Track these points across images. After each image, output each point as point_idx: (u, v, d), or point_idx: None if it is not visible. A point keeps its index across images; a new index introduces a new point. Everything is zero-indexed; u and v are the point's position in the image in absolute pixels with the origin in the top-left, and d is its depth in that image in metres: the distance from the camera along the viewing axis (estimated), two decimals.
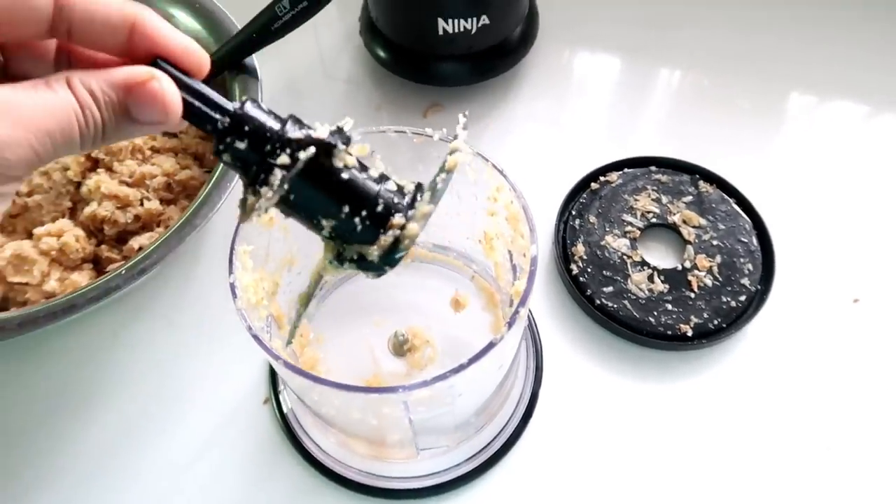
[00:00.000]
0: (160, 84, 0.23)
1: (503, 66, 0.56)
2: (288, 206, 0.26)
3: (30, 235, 0.43)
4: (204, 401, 0.44)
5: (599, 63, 0.62)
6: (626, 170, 0.52)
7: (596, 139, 0.56)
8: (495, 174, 0.35)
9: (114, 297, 0.38)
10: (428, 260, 0.46)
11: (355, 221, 0.26)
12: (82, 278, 0.42)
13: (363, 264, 0.28)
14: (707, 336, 0.44)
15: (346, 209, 0.26)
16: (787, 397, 0.43)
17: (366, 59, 0.59)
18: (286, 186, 0.25)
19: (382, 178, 0.28)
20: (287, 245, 0.39)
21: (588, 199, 0.50)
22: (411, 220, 0.27)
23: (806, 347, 0.45)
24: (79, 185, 0.45)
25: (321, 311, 0.45)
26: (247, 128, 0.24)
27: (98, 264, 0.44)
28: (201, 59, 0.25)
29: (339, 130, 0.26)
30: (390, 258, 0.28)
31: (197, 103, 0.24)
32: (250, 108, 0.25)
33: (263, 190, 0.25)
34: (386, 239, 0.27)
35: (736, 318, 0.45)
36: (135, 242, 0.44)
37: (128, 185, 0.45)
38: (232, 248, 0.32)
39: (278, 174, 0.24)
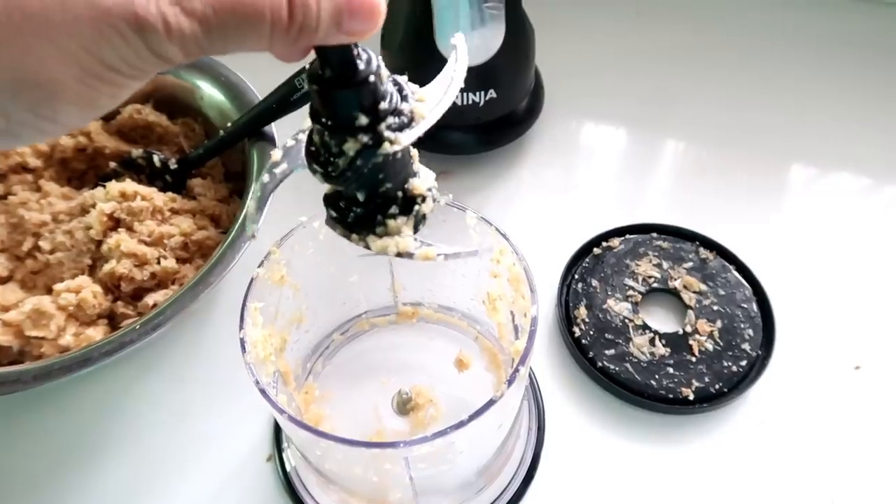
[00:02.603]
0: None
1: (510, 136, 0.59)
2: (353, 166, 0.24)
3: (49, 291, 0.45)
4: (210, 456, 0.44)
5: (603, 134, 0.64)
6: (628, 236, 0.53)
7: (599, 206, 0.58)
8: (498, 237, 0.36)
9: (127, 351, 0.39)
10: (433, 320, 0.47)
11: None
12: (97, 333, 0.44)
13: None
14: (708, 400, 0.44)
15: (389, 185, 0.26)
16: (788, 463, 0.43)
17: None
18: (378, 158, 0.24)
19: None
20: (297, 303, 0.40)
21: (591, 263, 0.52)
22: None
23: (807, 413, 0.45)
24: (100, 243, 0.46)
25: (328, 370, 0.46)
26: (372, 79, 0.23)
27: (113, 320, 0.46)
28: None
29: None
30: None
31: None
32: (381, 67, 0.23)
33: (348, 146, 0.24)
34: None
35: (737, 383, 0.45)
36: (150, 299, 0.45)
37: (146, 244, 0.46)
38: (244, 305, 0.34)
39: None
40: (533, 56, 0.58)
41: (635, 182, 0.60)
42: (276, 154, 0.28)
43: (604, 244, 0.53)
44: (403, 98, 0.25)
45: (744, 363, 0.46)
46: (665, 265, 0.51)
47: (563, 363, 0.48)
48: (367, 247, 0.27)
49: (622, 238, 0.53)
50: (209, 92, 0.55)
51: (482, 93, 0.53)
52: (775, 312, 0.48)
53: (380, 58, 0.24)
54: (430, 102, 0.26)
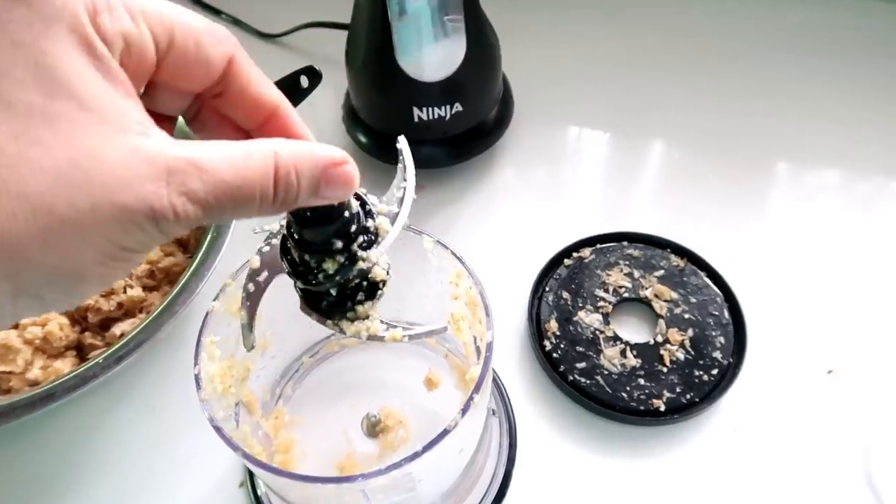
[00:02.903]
0: (352, 167, 0.23)
1: (479, 148, 0.59)
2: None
3: (16, 325, 0.45)
4: (184, 483, 0.44)
5: (574, 142, 0.64)
6: (599, 245, 0.53)
7: (571, 215, 0.57)
8: (454, 261, 0.36)
9: (92, 385, 0.39)
10: None
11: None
12: (65, 365, 0.44)
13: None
14: (680, 411, 0.44)
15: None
16: (761, 470, 0.43)
17: (348, 143, 0.61)
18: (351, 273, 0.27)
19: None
20: (260, 330, 0.40)
21: (561, 275, 0.52)
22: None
23: (780, 420, 0.45)
24: None
25: (297, 393, 0.45)
26: (346, 214, 0.26)
27: (81, 351, 0.46)
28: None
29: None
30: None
31: None
32: (353, 203, 0.26)
33: (326, 265, 0.27)
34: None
35: (709, 392, 0.45)
36: (117, 329, 0.45)
37: None
38: (199, 340, 0.33)
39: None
40: (499, 65, 0.57)
41: (607, 190, 0.60)
42: (255, 261, 0.31)
43: (574, 255, 0.53)
44: (368, 214, 0.27)
45: (715, 372, 0.46)
46: (636, 274, 0.51)
47: (535, 377, 0.48)
48: (342, 332, 0.30)
49: (593, 248, 0.53)
50: None
51: (447, 107, 0.53)
52: (747, 319, 0.48)
53: None
54: (390, 214, 0.29)
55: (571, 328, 0.48)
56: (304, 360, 0.46)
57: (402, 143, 0.31)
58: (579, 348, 0.47)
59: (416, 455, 0.30)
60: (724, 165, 0.60)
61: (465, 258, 0.36)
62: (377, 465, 0.30)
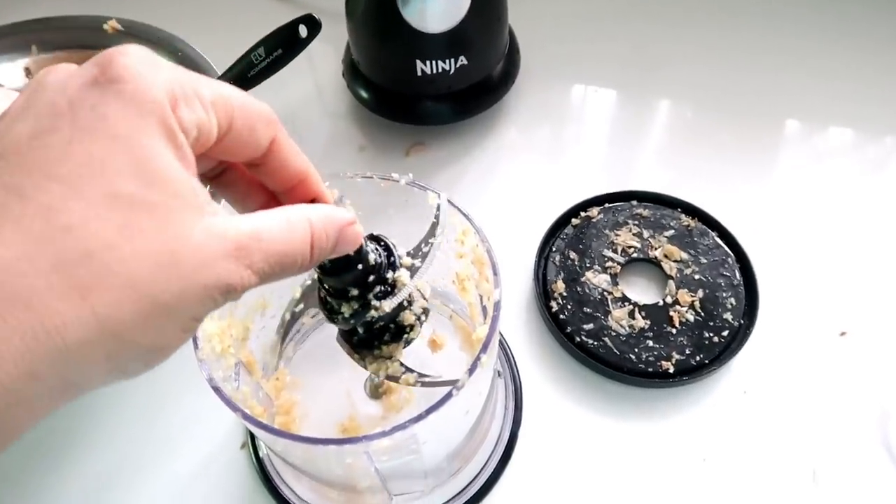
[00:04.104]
0: (358, 226, 0.26)
1: (484, 104, 0.57)
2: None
3: None
4: (185, 445, 0.44)
5: (583, 98, 0.62)
6: (607, 204, 0.52)
7: (578, 174, 0.56)
8: (461, 217, 0.35)
9: None
10: None
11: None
12: None
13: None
14: (689, 373, 0.43)
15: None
16: (770, 433, 0.42)
17: (349, 100, 0.59)
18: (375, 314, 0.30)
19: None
20: (259, 289, 0.39)
21: (568, 234, 0.50)
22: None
23: (792, 383, 0.44)
24: None
25: (299, 355, 0.45)
26: (360, 266, 0.29)
27: None
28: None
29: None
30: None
31: None
32: (369, 253, 0.29)
33: (344, 308, 0.30)
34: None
35: (718, 354, 0.44)
36: None
37: None
38: None
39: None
40: (505, 17, 0.55)
41: (615, 149, 0.58)
42: (297, 292, 0.35)
43: (582, 214, 0.51)
44: (391, 265, 0.30)
45: (726, 333, 0.45)
46: (645, 234, 0.50)
47: (541, 338, 0.47)
48: (364, 367, 0.33)
49: (601, 207, 0.51)
50: None
51: (452, 60, 0.51)
52: (759, 279, 0.47)
53: (367, 241, 0.29)
54: (413, 268, 0.32)
55: (579, 289, 0.47)
56: (305, 321, 0.45)
57: (443, 199, 0.33)
58: (587, 309, 0.46)
59: (421, 416, 0.29)
60: (735, 124, 0.58)
61: (471, 215, 0.35)
62: (381, 427, 0.29)
